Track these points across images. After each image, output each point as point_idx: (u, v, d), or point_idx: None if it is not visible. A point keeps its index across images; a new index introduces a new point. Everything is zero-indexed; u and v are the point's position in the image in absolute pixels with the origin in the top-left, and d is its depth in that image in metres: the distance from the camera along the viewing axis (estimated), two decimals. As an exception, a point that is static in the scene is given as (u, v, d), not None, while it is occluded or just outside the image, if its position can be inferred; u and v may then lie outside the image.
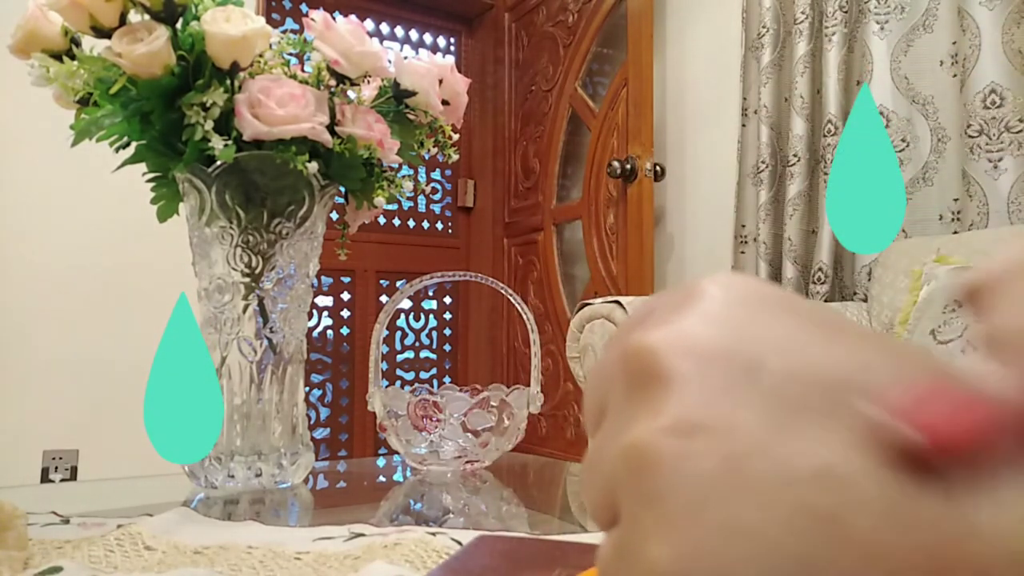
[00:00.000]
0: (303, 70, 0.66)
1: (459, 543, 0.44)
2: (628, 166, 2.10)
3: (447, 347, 2.90)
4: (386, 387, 0.72)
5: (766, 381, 0.14)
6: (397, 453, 0.74)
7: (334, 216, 0.72)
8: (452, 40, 3.00)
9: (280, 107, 0.59)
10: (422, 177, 2.81)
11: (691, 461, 0.13)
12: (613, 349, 0.17)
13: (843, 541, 0.12)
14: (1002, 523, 0.12)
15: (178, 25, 0.59)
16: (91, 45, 0.61)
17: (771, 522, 0.12)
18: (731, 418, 0.13)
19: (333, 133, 0.62)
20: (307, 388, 2.43)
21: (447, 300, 2.92)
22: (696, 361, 0.14)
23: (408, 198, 2.76)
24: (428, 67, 0.67)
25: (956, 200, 1.54)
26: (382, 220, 2.70)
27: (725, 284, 0.16)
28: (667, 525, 0.13)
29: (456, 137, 0.73)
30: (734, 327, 0.15)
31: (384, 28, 2.82)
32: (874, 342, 0.15)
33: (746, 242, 1.91)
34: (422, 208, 2.87)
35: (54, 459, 1.89)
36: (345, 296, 2.67)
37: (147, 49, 0.55)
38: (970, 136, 1.46)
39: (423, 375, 2.82)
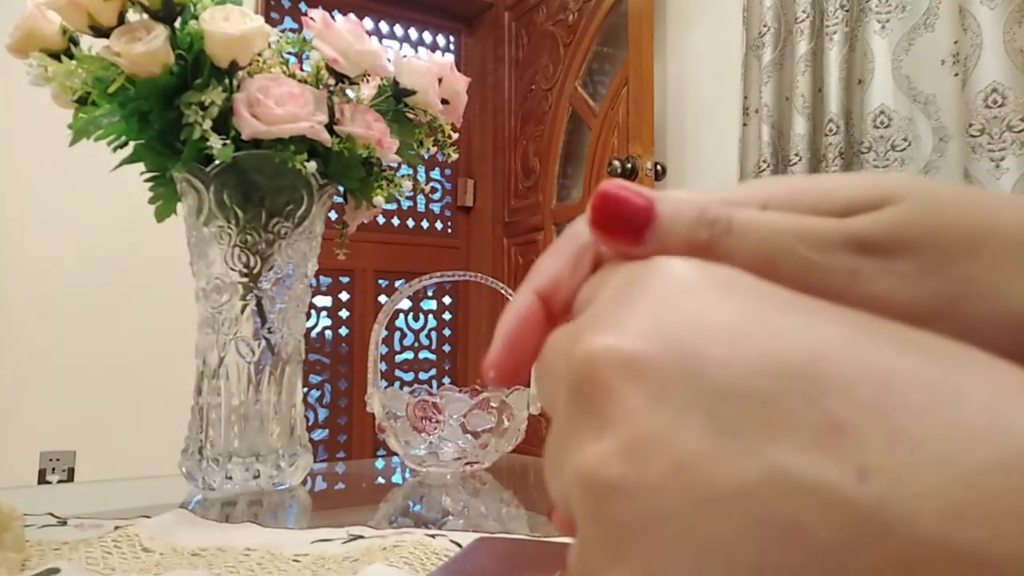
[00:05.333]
0: (302, 69, 0.66)
1: (459, 545, 0.44)
2: (629, 165, 2.10)
3: (447, 347, 2.89)
4: (385, 388, 0.71)
5: (709, 378, 0.13)
6: (396, 454, 0.73)
7: (333, 216, 0.72)
8: (452, 39, 3.00)
9: (279, 106, 0.59)
10: (421, 176, 2.81)
11: (638, 480, 0.13)
12: (558, 344, 0.16)
13: (805, 550, 0.11)
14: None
15: (177, 24, 0.58)
16: (89, 44, 0.61)
17: (727, 534, 0.12)
18: (673, 427, 0.13)
19: (332, 132, 0.62)
20: (305, 389, 2.43)
21: (447, 300, 2.92)
22: (635, 369, 0.13)
23: (407, 198, 2.76)
24: (427, 66, 0.67)
25: (957, 200, 1.54)
26: (381, 220, 2.70)
27: (666, 268, 0.15)
28: (622, 548, 0.13)
29: (456, 136, 0.73)
30: (674, 319, 0.14)
31: (383, 27, 2.81)
32: (836, 318, 0.14)
33: (746, 242, 1.90)
34: (421, 208, 2.87)
35: (51, 460, 1.89)
36: (344, 296, 2.66)
37: (145, 48, 0.55)
38: (972, 135, 1.46)
39: (422, 376, 2.82)
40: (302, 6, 2.61)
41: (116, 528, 0.46)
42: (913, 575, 0.11)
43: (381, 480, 0.80)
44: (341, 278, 2.66)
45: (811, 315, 0.14)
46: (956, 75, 1.54)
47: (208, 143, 0.58)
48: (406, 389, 0.71)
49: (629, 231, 0.17)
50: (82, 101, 0.61)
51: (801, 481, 0.12)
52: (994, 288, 0.16)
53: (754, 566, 0.12)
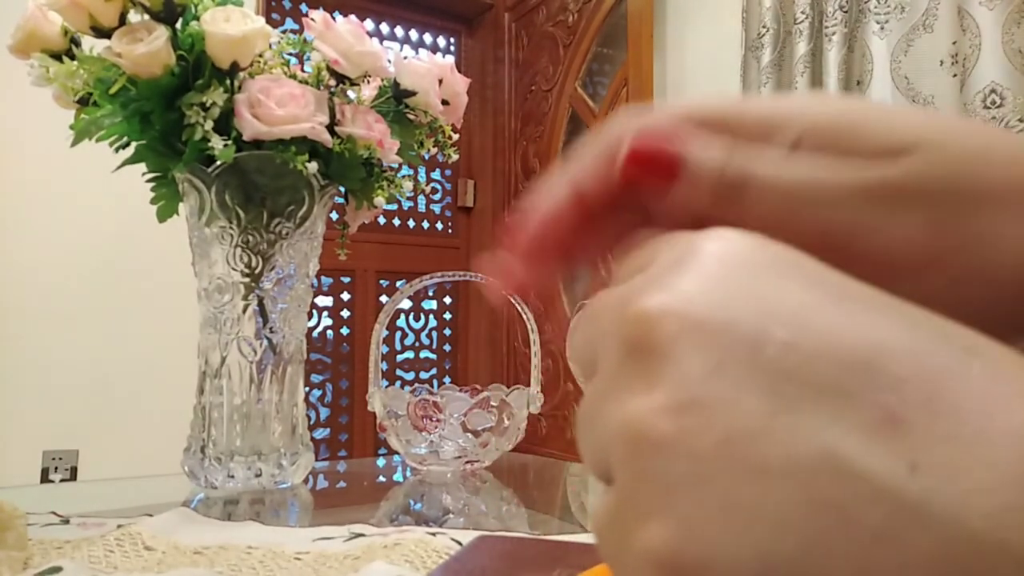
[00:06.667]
0: (303, 70, 0.66)
1: (459, 543, 0.44)
2: (628, 166, 2.10)
3: (447, 347, 2.89)
4: (386, 387, 0.71)
5: (770, 357, 0.13)
6: (397, 453, 0.74)
7: (334, 216, 0.72)
8: (452, 40, 3.00)
9: (280, 107, 0.59)
10: (422, 177, 2.81)
11: (688, 442, 0.13)
12: (610, 302, 0.16)
13: (849, 532, 0.12)
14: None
15: (178, 25, 0.59)
16: (91, 45, 0.61)
17: (772, 504, 0.12)
18: (731, 397, 0.13)
19: (333, 133, 0.62)
20: (307, 388, 2.43)
21: (447, 300, 2.92)
22: (696, 334, 0.14)
23: (408, 198, 2.76)
24: (428, 67, 0.67)
25: (956, 200, 1.54)
26: (382, 220, 2.70)
27: (728, 242, 0.15)
28: (663, 504, 0.13)
29: (456, 137, 0.73)
30: (737, 293, 0.14)
31: (384, 28, 2.81)
32: (895, 314, 0.14)
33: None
34: (422, 208, 2.87)
35: (54, 459, 1.89)
36: (345, 296, 2.66)
37: (147, 49, 0.55)
38: (970, 136, 1.46)
39: (423, 375, 2.82)
40: (303, 7, 2.61)
41: (118, 527, 0.46)
42: (956, 568, 0.11)
43: (382, 479, 0.80)
44: (342, 278, 2.66)
45: (873, 310, 0.14)
46: (955, 76, 1.54)
47: (209, 144, 0.58)
48: (407, 388, 0.71)
49: (656, 186, 0.19)
50: (83, 102, 0.61)
51: (853, 466, 0.12)
52: (990, 241, 0.17)
53: (801, 538, 0.12)
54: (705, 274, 0.15)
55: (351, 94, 0.67)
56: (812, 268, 0.15)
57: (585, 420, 0.16)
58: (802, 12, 1.76)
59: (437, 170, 2.92)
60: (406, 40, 2.89)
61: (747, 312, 0.14)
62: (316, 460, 0.71)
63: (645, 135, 0.19)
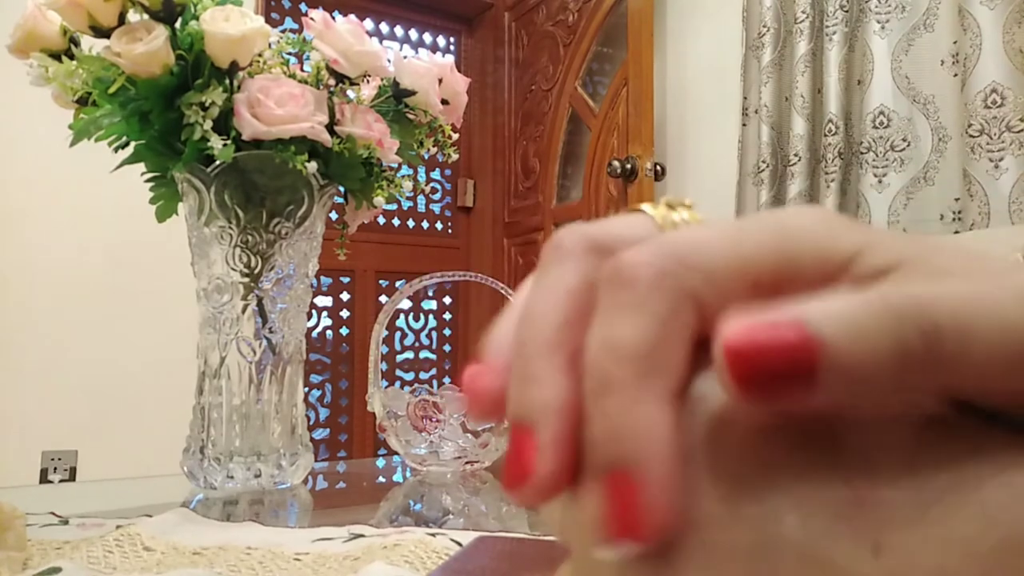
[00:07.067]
0: (302, 69, 0.66)
1: (459, 544, 0.44)
2: (628, 166, 2.10)
3: (447, 347, 2.89)
4: (386, 387, 0.71)
5: (734, 447, 0.13)
6: (396, 454, 0.74)
7: (333, 216, 0.72)
8: (452, 39, 3.00)
9: (279, 107, 0.59)
10: (422, 177, 2.81)
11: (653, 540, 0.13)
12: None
13: None
14: None
15: (177, 25, 0.59)
16: (90, 45, 0.61)
17: None
18: (693, 492, 0.13)
19: (332, 133, 0.62)
20: (306, 388, 2.43)
21: (447, 300, 2.92)
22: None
23: (408, 198, 2.76)
24: (428, 66, 0.67)
25: (957, 200, 1.54)
26: (382, 220, 2.70)
27: None
28: None
29: (456, 137, 0.73)
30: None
31: (384, 27, 2.81)
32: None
33: (746, 242, 1.90)
34: (422, 208, 2.87)
35: (53, 460, 1.89)
36: (344, 296, 2.67)
37: (146, 49, 0.55)
38: (971, 136, 1.46)
39: (423, 375, 2.82)
40: (302, 7, 2.61)
41: (118, 527, 0.46)
42: None
43: (382, 479, 0.80)
44: (342, 278, 2.66)
45: None
46: (955, 75, 1.54)
47: (209, 143, 0.58)
48: (407, 388, 0.71)
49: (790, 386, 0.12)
50: (83, 101, 0.61)
51: (817, 553, 0.12)
52: None
53: None
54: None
55: (351, 94, 0.67)
56: None
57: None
58: (803, 11, 1.76)
59: (437, 170, 2.92)
60: (406, 40, 2.89)
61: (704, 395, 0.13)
62: (315, 460, 0.70)
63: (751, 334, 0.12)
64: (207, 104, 0.58)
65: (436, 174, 2.93)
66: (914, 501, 0.12)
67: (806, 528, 0.12)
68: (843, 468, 0.12)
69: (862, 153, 1.68)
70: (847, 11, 1.70)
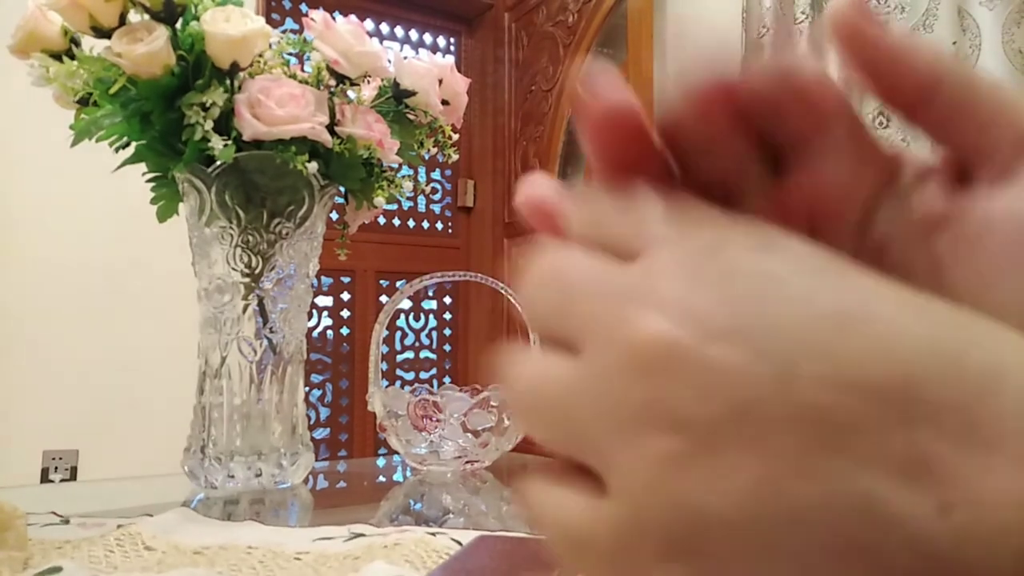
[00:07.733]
0: (303, 70, 0.66)
1: (459, 543, 0.44)
2: (628, 166, 2.10)
3: (447, 347, 2.89)
4: (386, 387, 0.71)
5: (803, 397, 0.12)
6: (397, 453, 0.74)
7: (334, 216, 0.72)
8: (452, 40, 3.00)
9: (280, 107, 0.59)
10: (422, 177, 2.81)
11: (714, 494, 0.13)
12: (597, 287, 0.15)
13: (884, 574, 0.12)
14: None
15: (178, 25, 0.59)
16: (91, 45, 0.61)
17: (803, 547, 0.12)
18: (760, 445, 0.12)
19: (333, 133, 0.62)
20: (307, 388, 2.43)
21: (447, 300, 2.92)
22: (717, 375, 0.13)
23: (408, 198, 2.76)
24: (428, 67, 0.67)
25: (956, 200, 1.54)
26: (382, 220, 2.70)
27: (747, 250, 0.15)
28: (681, 547, 0.13)
29: (456, 137, 0.73)
30: (767, 324, 0.13)
31: (384, 28, 2.81)
32: (928, 326, 0.13)
33: (746, 242, 1.90)
34: (422, 208, 2.87)
35: (54, 459, 1.89)
36: (345, 296, 2.66)
37: (147, 49, 0.55)
38: (970, 136, 1.46)
39: (423, 375, 2.82)
40: (303, 7, 2.61)
41: (118, 527, 0.46)
42: None
43: (382, 479, 0.80)
44: (342, 278, 2.66)
45: (906, 316, 0.13)
46: (955, 75, 1.54)
47: (209, 144, 0.58)
48: (407, 388, 0.71)
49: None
50: (84, 102, 0.61)
51: (886, 512, 0.12)
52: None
53: None
54: (721, 295, 0.13)
55: (351, 94, 0.67)
56: (838, 270, 0.14)
57: (569, 422, 0.15)
58: (802, 12, 1.76)
59: (437, 170, 2.92)
60: (406, 40, 2.88)
61: (773, 342, 0.13)
62: (316, 460, 0.71)
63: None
64: (208, 104, 0.58)
65: (436, 174, 2.92)
66: (982, 453, 0.12)
67: (874, 486, 0.12)
68: (906, 423, 0.12)
69: (862, 153, 1.67)
70: (847, 11, 1.70)
